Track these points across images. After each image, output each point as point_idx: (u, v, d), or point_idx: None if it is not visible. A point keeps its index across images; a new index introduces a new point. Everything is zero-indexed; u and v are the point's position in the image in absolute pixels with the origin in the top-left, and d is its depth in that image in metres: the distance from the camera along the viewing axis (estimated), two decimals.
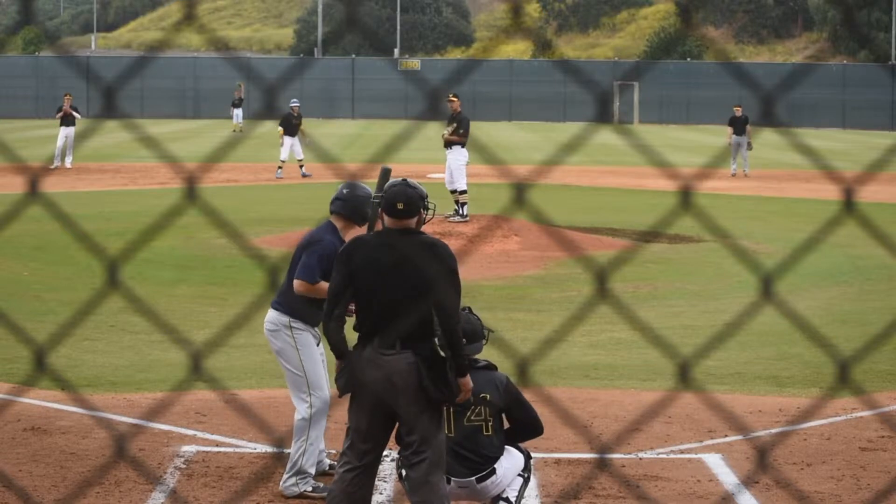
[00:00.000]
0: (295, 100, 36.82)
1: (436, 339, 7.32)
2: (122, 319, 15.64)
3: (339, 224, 9.00)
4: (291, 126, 36.11)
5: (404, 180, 7.55)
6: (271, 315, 9.03)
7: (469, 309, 8.42)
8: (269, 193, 32.89)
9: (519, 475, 8.29)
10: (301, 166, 36.78)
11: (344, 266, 7.37)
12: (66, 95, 40.61)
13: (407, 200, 7.37)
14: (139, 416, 11.05)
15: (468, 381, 7.40)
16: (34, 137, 53.03)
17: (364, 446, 7.40)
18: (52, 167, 38.67)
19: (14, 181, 29.75)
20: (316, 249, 8.82)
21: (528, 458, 8.38)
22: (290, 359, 8.97)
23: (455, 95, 24.84)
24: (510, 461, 8.23)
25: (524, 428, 8.31)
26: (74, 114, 39.49)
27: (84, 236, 4.34)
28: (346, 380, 7.34)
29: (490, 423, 8.11)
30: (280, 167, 36.71)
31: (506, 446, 8.27)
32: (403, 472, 7.65)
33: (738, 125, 39.16)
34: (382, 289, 7.25)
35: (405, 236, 7.35)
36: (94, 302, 14.99)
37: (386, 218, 7.42)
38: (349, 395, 7.47)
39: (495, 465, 8.12)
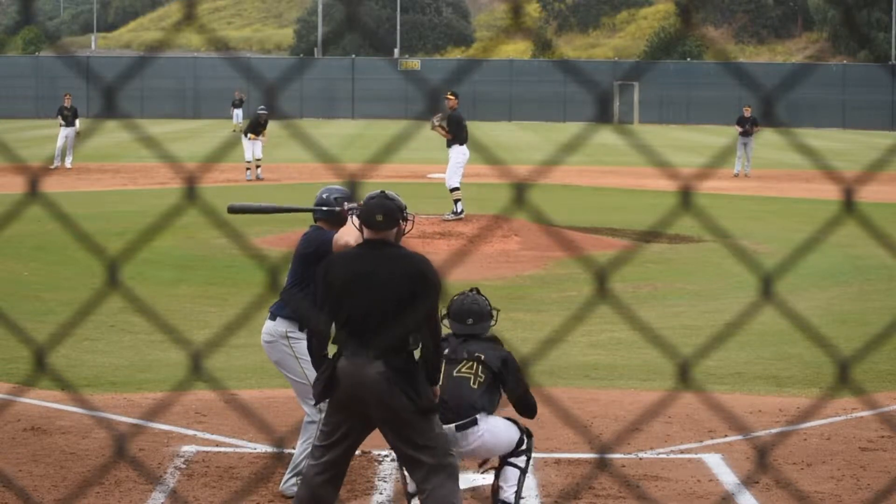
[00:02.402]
0: (263, 107, 37.21)
1: (415, 349, 7.42)
2: (122, 319, 15.64)
3: (325, 228, 9.04)
4: (255, 131, 36.46)
5: (382, 192, 7.63)
6: (268, 326, 9.02)
7: (477, 290, 8.65)
8: (269, 193, 32.87)
9: (513, 465, 8.27)
10: (258, 167, 36.78)
11: (322, 279, 7.47)
12: (65, 95, 40.69)
13: (385, 212, 7.46)
14: (139, 416, 11.05)
15: (437, 390, 7.55)
16: (34, 137, 53.02)
17: (336, 450, 7.44)
18: (53, 167, 38.71)
19: (14, 181, 29.75)
20: (325, 237, 8.86)
21: (526, 437, 8.34)
22: (291, 369, 8.96)
23: (453, 94, 24.71)
24: (499, 424, 8.24)
25: (517, 401, 8.34)
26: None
27: (84, 236, 4.34)
28: (323, 388, 7.40)
29: (479, 379, 8.19)
30: (248, 169, 36.60)
31: (502, 417, 8.29)
32: (411, 489, 7.70)
33: (747, 125, 39.23)
34: (357, 299, 7.32)
35: (383, 248, 7.43)
36: (94, 302, 15.00)
37: (365, 230, 7.50)
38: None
39: (477, 416, 8.14)
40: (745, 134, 39.32)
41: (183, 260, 21.05)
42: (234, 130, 59.95)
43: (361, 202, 8.38)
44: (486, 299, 8.56)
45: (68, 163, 39.68)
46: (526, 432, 8.40)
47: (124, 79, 69.44)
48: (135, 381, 12.71)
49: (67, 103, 39.77)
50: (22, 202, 3.61)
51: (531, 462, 8.59)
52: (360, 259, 7.44)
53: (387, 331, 7.27)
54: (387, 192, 7.67)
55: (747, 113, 39.53)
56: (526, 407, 8.36)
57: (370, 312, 7.28)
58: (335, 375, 7.32)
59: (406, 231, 7.64)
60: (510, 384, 8.27)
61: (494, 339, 8.43)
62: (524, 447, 8.34)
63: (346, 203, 8.97)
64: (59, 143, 39.90)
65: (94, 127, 58.52)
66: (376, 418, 7.37)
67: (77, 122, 39.98)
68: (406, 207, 7.67)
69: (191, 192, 3.54)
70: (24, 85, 79.64)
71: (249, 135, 36.60)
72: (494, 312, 8.50)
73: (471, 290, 8.58)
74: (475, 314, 8.37)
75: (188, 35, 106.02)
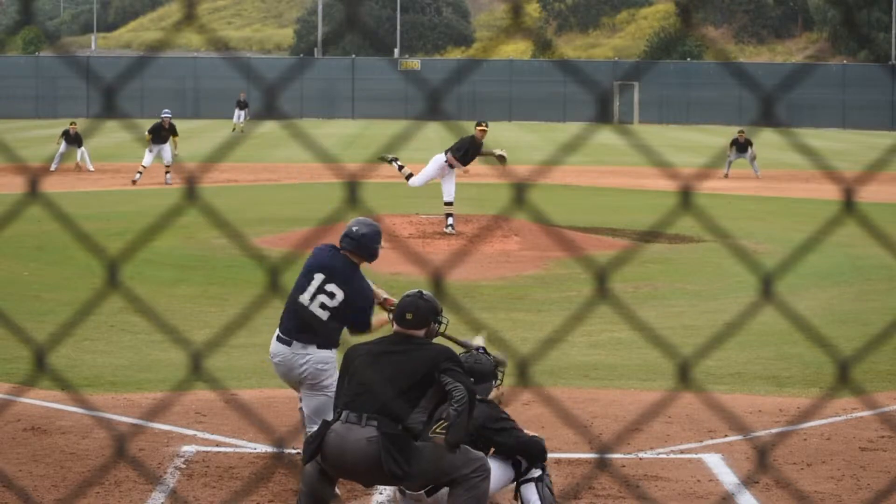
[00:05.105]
0: (167, 111, 36.78)
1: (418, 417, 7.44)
2: (122, 319, 15.64)
3: (353, 260, 8.95)
4: (159, 136, 35.54)
5: (420, 292, 7.64)
6: (322, 355, 8.88)
7: (484, 349, 8.45)
8: (269, 193, 32.89)
9: (526, 480, 8.05)
10: (167, 172, 35.53)
11: (344, 366, 7.60)
12: (71, 123, 40.22)
13: (416, 312, 7.55)
14: (139, 416, 11.05)
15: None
16: (34, 137, 53.02)
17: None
18: (91, 170, 38.81)
19: (14, 181, 29.74)
20: (366, 295, 8.86)
21: (519, 466, 8.16)
22: (330, 387, 8.81)
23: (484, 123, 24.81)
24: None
25: (518, 454, 8.13)
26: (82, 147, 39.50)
27: (84, 236, 4.34)
28: (314, 449, 7.42)
29: None
30: (140, 172, 35.33)
31: (492, 458, 7.99)
32: None
33: (739, 146, 38.98)
34: (368, 371, 7.38)
35: (408, 340, 7.53)
36: (94, 302, 14.99)
37: (394, 323, 7.60)
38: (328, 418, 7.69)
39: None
40: (740, 151, 39.02)
41: (183, 260, 21.03)
42: (234, 130, 60.04)
43: (371, 216, 8.47)
44: (491, 359, 8.31)
45: (53, 166, 39.22)
46: (517, 468, 8.10)
47: (124, 79, 69.42)
48: (135, 381, 12.71)
49: (73, 131, 39.39)
50: (22, 202, 3.61)
51: (546, 470, 8.35)
52: (380, 343, 7.57)
53: (386, 400, 7.29)
54: (424, 293, 7.68)
55: (741, 138, 39.02)
56: (530, 457, 8.12)
57: (375, 384, 7.32)
58: (326, 437, 7.36)
59: (439, 332, 7.68)
60: (501, 443, 8.04)
61: (491, 403, 8.15)
62: (517, 476, 8.11)
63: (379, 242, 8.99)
64: (62, 149, 39.58)
65: (95, 127, 58.49)
66: (366, 481, 7.54)
67: (82, 148, 39.58)
68: (441, 311, 7.65)
69: (191, 192, 3.54)
70: (24, 85, 79.63)
71: (147, 136, 35.82)
72: (499, 373, 8.25)
73: (477, 349, 8.37)
74: (477, 374, 8.08)
75: (188, 35, 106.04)
